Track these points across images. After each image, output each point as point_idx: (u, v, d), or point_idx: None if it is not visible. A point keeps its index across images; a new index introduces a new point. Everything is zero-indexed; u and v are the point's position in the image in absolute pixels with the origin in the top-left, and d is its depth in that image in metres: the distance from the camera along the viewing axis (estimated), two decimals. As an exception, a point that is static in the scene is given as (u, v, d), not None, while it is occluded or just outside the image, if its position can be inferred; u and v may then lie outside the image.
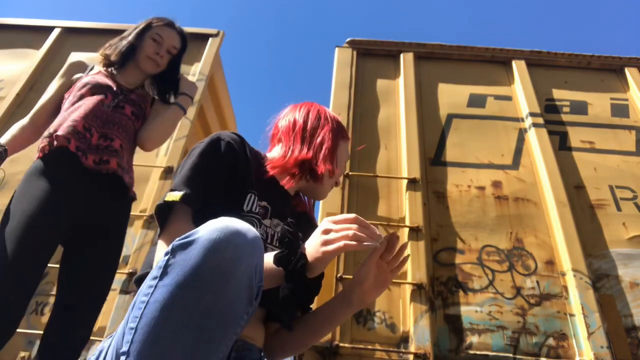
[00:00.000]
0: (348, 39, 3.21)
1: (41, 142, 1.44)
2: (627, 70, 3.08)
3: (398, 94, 2.98)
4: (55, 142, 1.40)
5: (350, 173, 2.53)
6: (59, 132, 1.40)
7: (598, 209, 2.45)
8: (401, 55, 3.14)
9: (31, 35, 3.36)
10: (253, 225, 0.84)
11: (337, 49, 3.16)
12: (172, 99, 1.71)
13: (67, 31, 3.39)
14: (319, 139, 1.06)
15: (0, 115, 2.85)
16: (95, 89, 1.54)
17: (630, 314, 2.10)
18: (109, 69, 1.65)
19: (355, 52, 3.13)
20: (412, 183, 2.47)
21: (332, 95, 2.90)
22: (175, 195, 0.84)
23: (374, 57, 3.20)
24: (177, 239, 0.64)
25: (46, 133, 1.45)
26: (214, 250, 0.59)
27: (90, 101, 1.50)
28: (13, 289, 1.22)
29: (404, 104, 2.86)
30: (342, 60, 3.08)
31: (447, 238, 2.34)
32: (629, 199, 2.49)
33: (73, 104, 1.51)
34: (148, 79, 1.73)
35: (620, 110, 2.93)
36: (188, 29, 3.40)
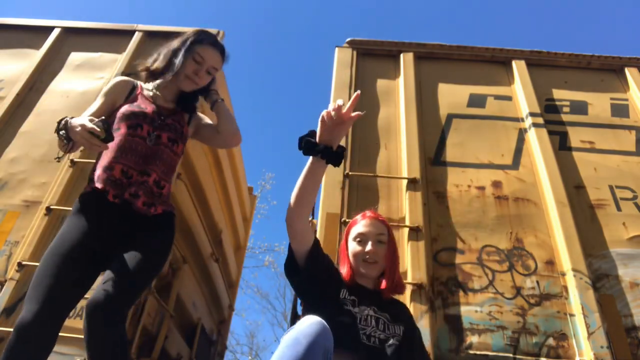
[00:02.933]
0: (348, 39, 3.21)
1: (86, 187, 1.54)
2: (627, 70, 3.08)
3: (398, 94, 2.98)
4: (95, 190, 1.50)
5: (350, 173, 2.53)
6: (98, 185, 1.49)
7: (598, 209, 2.45)
8: (401, 55, 3.14)
9: (31, 35, 3.35)
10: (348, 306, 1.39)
11: (337, 49, 3.16)
12: (210, 98, 1.76)
13: (67, 31, 3.38)
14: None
15: (0, 115, 2.84)
16: (131, 120, 1.56)
17: (630, 314, 2.10)
18: (150, 89, 1.69)
19: (355, 52, 3.13)
20: (412, 183, 2.47)
21: (332, 95, 2.90)
22: None
23: (374, 57, 3.20)
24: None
25: (91, 175, 1.53)
26: (307, 329, 1.04)
27: (125, 139, 1.54)
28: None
29: (404, 104, 2.86)
30: (342, 60, 3.08)
31: (447, 238, 2.34)
32: (629, 199, 2.49)
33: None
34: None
35: (620, 110, 2.93)
36: (188, 29, 3.41)
